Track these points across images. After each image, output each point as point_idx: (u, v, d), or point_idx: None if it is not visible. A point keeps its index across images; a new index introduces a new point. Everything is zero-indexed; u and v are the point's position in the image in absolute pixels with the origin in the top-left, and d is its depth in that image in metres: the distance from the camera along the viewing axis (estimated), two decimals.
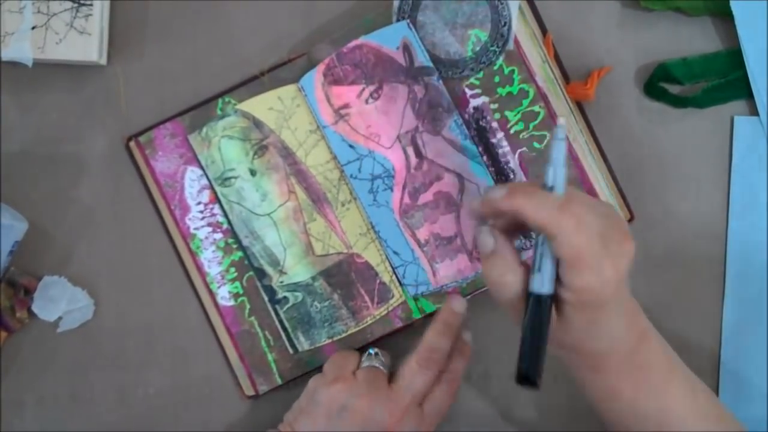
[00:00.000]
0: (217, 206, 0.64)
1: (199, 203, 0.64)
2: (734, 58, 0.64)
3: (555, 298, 0.49)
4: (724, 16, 0.64)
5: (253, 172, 0.63)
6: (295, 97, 0.63)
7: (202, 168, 0.64)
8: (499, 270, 0.50)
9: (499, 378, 0.66)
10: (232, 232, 0.64)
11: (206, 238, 0.64)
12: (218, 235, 0.64)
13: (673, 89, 0.65)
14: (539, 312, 0.49)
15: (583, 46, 0.65)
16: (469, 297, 0.63)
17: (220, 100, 0.64)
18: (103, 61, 0.64)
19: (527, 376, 0.48)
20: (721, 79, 0.64)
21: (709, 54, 0.65)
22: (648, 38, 0.65)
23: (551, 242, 0.48)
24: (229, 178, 0.63)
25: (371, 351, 0.62)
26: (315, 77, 0.62)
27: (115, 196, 0.66)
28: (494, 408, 0.66)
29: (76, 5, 0.62)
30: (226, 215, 0.64)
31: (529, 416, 0.66)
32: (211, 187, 0.64)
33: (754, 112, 0.65)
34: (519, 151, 0.63)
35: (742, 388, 0.64)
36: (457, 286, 0.63)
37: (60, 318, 0.65)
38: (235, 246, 0.64)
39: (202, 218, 0.64)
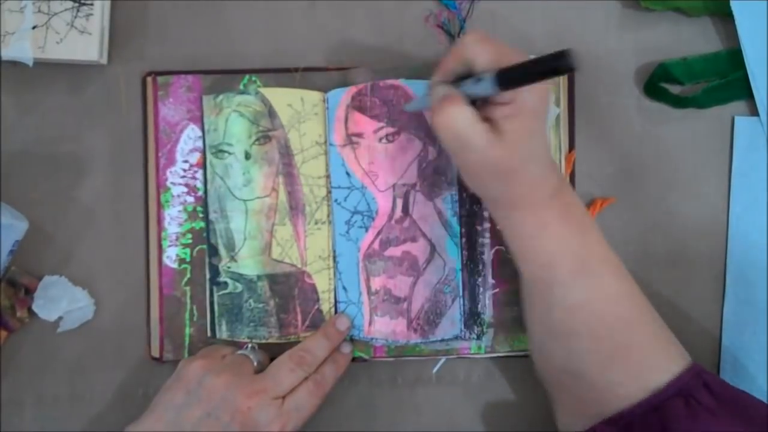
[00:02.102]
0: (200, 172, 0.64)
1: (185, 161, 0.64)
2: (734, 58, 0.64)
3: (492, 123, 0.53)
4: (724, 16, 0.64)
5: (247, 156, 0.63)
6: (317, 104, 0.63)
7: (203, 130, 0.64)
8: (453, 105, 0.53)
9: (502, 379, 0.66)
10: (204, 201, 0.64)
11: (178, 196, 0.64)
12: (190, 199, 0.64)
13: (674, 89, 0.65)
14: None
15: (583, 46, 0.65)
16: (392, 359, 0.64)
17: (246, 77, 0.64)
18: (104, 60, 0.64)
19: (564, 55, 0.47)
20: (722, 79, 0.64)
21: (709, 54, 0.65)
22: (648, 38, 0.65)
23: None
24: (224, 151, 0.63)
25: (249, 345, 0.62)
26: (343, 96, 0.63)
27: (115, 196, 0.66)
28: (493, 408, 0.66)
29: (76, 5, 0.62)
30: (205, 184, 0.64)
31: (529, 416, 0.66)
32: (204, 152, 0.64)
33: (754, 112, 0.65)
34: (497, 248, 0.63)
35: (742, 388, 0.64)
36: (384, 345, 0.64)
37: (60, 318, 0.64)
38: (201, 215, 0.64)
39: (183, 177, 0.64)
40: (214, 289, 0.64)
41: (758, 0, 0.63)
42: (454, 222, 0.63)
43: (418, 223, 0.63)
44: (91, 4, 0.62)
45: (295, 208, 0.64)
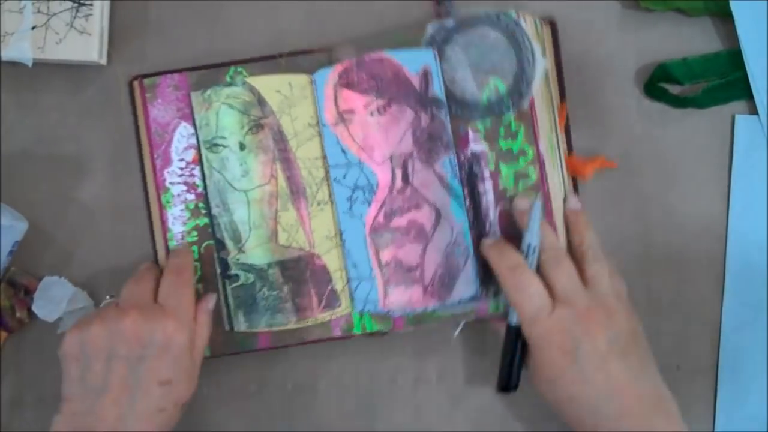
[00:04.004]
0: (198, 168, 0.64)
1: (181, 160, 0.64)
2: (734, 58, 0.64)
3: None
4: (724, 16, 0.64)
5: (242, 146, 0.63)
6: (305, 87, 0.63)
7: (195, 127, 0.64)
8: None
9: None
10: (204, 197, 0.64)
11: (178, 195, 0.64)
12: (191, 196, 0.64)
13: (673, 89, 0.65)
14: (511, 338, 0.59)
15: (583, 47, 0.65)
16: (412, 329, 0.64)
17: (231, 68, 0.64)
18: (103, 61, 0.64)
19: (504, 387, 0.60)
20: (721, 79, 0.64)
21: (709, 54, 0.65)
22: (648, 38, 0.65)
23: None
24: (218, 145, 0.63)
25: (108, 297, 0.62)
26: (330, 75, 0.62)
27: (115, 196, 0.66)
28: (493, 408, 0.66)
29: (76, 5, 0.62)
30: (204, 179, 0.64)
31: (528, 416, 0.66)
32: (198, 149, 0.64)
33: (754, 112, 0.65)
34: (501, 206, 0.63)
35: (740, 388, 0.64)
36: (402, 315, 0.63)
37: (60, 318, 0.64)
38: (203, 211, 0.64)
39: (180, 175, 0.64)
40: (226, 282, 0.64)
41: (758, 0, 0.63)
42: (456, 184, 0.62)
43: (420, 191, 0.62)
44: (91, 5, 0.62)
45: (296, 192, 0.64)
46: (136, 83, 0.64)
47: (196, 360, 0.59)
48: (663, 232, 0.65)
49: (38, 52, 0.62)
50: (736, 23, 0.63)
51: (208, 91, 0.63)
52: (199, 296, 0.62)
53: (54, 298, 0.64)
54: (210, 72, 0.64)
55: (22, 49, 0.62)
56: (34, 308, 0.64)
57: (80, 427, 0.56)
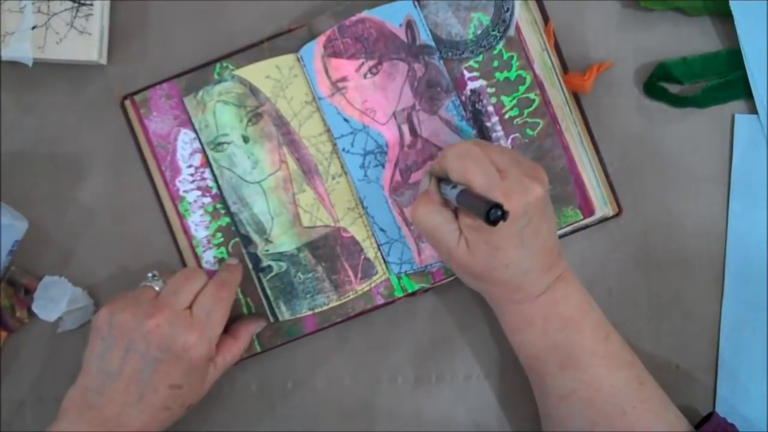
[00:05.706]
0: (207, 170, 0.64)
1: (190, 166, 0.64)
2: (734, 57, 0.64)
3: (462, 232, 0.56)
4: (723, 16, 0.64)
5: (245, 139, 0.63)
6: (293, 66, 0.63)
7: (195, 131, 0.64)
8: (426, 205, 0.56)
9: (502, 378, 0.66)
10: (221, 197, 0.64)
11: (195, 201, 0.64)
12: (207, 200, 0.64)
13: (673, 89, 0.65)
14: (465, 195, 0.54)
15: (582, 46, 0.65)
16: (451, 278, 0.64)
17: (217, 65, 0.64)
18: (104, 60, 0.64)
19: (494, 215, 0.50)
20: (721, 78, 0.64)
21: (708, 54, 0.65)
22: (648, 38, 0.65)
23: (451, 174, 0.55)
24: (222, 143, 0.63)
25: (150, 274, 0.61)
26: (315, 48, 0.63)
27: (115, 196, 0.66)
28: (493, 408, 0.66)
29: (76, 5, 0.62)
30: (216, 180, 0.64)
31: (528, 416, 0.66)
32: (203, 151, 0.64)
33: (753, 111, 0.65)
34: (512, 136, 0.63)
35: (740, 388, 0.64)
36: (441, 267, 0.64)
37: (60, 318, 0.64)
38: (223, 211, 0.64)
39: (192, 181, 0.64)
40: (261, 276, 0.64)
41: (758, 0, 0.63)
42: (465, 126, 0.62)
43: (431, 140, 0.63)
44: (91, 4, 0.62)
45: (309, 171, 0.64)
46: (128, 102, 0.64)
47: (215, 371, 0.60)
48: (663, 232, 0.65)
49: (38, 51, 0.62)
50: (736, 23, 0.64)
51: (200, 93, 0.63)
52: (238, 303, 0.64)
53: (54, 298, 0.64)
54: (197, 74, 0.64)
55: (22, 49, 0.62)
56: (34, 308, 0.64)
57: (88, 403, 0.57)
